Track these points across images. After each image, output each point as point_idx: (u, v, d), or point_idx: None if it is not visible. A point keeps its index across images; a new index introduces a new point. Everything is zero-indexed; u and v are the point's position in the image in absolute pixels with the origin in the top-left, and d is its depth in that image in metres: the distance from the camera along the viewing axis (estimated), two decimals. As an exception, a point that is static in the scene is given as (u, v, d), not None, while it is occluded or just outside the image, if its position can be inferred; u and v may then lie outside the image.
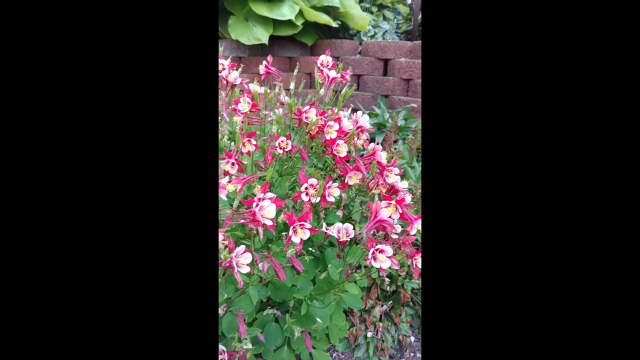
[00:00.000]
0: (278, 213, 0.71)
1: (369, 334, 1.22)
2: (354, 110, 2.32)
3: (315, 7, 2.60)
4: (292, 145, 0.85)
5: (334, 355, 1.22)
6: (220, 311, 0.88)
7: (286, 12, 2.42)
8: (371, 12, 3.26)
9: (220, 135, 1.00)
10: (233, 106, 0.98)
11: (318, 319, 0.93)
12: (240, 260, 0.63)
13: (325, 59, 1.06)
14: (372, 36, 2.97)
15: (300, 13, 2.47)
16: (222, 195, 0.68)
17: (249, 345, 0.70)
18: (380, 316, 1.25)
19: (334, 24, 2.63)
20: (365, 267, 1.14)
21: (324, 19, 2.52)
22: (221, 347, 0.78)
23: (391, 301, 1.28)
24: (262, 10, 2.38)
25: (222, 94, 1.11)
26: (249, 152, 0.88)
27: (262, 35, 2.44)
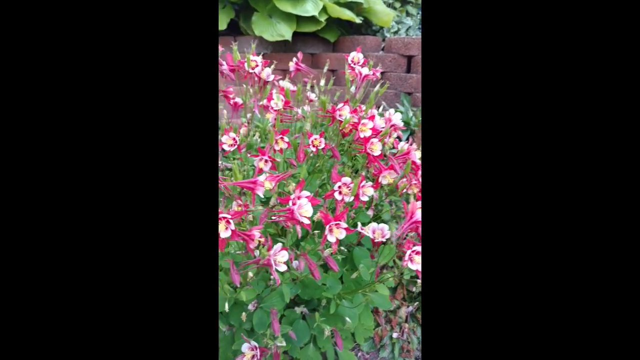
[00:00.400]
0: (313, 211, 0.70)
1: (395, 335, 1.20)
2: (378, 107, 2.29)
3: (338, 3, 2.58)
4: (325, 143, 0.84)
5: (359, 354, 1.21)
6: (251, 307, 0.89)
7: (310, 9, 2.40)
8: (394, 8, 3.20)
9: (251, 133, 1.00)
10: (264, 103, 0.98)
11: (347, 319, 0.92)
12: (277, 258, 0.63)
13: (356, 56, 1.05)
14: (396, 32, 2.93)
15: (324, 9, 2.45)
16: (260, 193, 0.68)
17: (284, 343, 0.70)
18: (406, 317, 1.24)
19: (358, 20, 2.60)
20: (397, 267, 1.13)
21: (347, 15, 2.50)
22: (253, 342, 0.79)
23: (417, 302, 1.26)
24: (286, 6, 2.37)
25: (250, 90, 1.11)
26: (281, 150, 0.88)
27: (285, 32, 2.44)
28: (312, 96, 1.15)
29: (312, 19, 2.45)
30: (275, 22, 2.47)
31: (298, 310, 0.98)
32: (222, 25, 2.39)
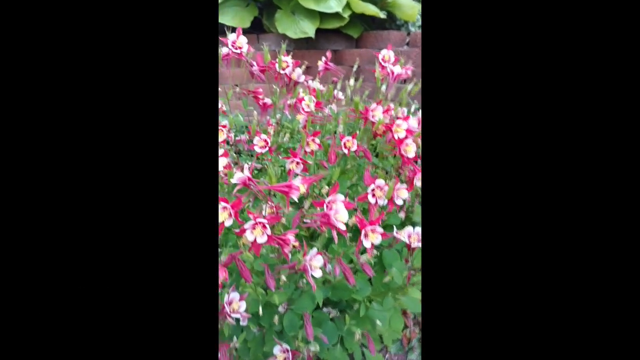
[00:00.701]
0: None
1: (424, 338, 1.18)
2: (408, 106, 2.24)
3: (362, -2, 2.53)
4: (357, 145, 0.83)
5: (387, 356, 1.20)
6: (282, 309, 0.89)
7: (333, 5, 2.37)
8: (419, 1, 3.13)
9: (281, 133, 0.99)
10: (292, 102, 0.97)
11: (378, 322, 0.91)
12: (313, 263, 0.62)
13: (387, 53, 1.02)
14: (421, 26, 2.86)
15: (347, 5, 2.42)
16: (294, 197, 0.67)
17: (317, 348, 0.70)
18: (435, 320, 1.21)
19: (382, 15, 2.55)
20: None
21: (372, 10, 2.46)
22: (285, 345, 0.79)
23: (447, 305, 1.24)
24: (309, 3, 2.35)
25: (277, 89, 1.11)
26: (312, 151, 0.87)
27: (308, 29, 2.42)
28: (340, 95, 1.13)
29: (336, 15, 2.42)
30: (299, 19, 2.45)
31: (328, 312, 0.97)
32: (246, 23, 2.39)
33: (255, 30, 2.57)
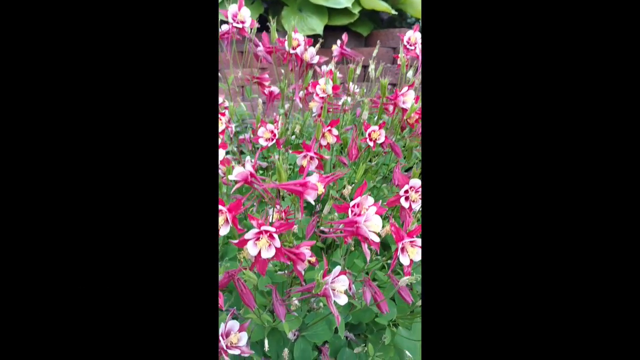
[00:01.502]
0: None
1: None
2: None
3: (372, -6, 2.42)
4: (385, 137, 0.68)
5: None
6: (291, 336, 0.74)
7: (342, 0, 2.26)
8: None
9: (290, 126, 0.85)
10: (302, 94, 0.83)
11: (407, 353, 0.75)
12: (336, 286, 0.47)
13: (412, 35, 0.89)
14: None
15: (357, 1, 2.30)
16: (310, 198, 0.52)
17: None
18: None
19: (393, 12, 2.43)
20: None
21: (382, 6, 2.34)
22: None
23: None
24: (317, -2, 2.23)
25: (282, 71, 0.96)
26: (328, 145, 0.72)
27: (316, 26, 2.30)
28: (354, 87, 0.99)
29: (345, 12, 2.30)
30: (306, 15, 2.33)
31: (345, 336, 0.82)
32: (251, 19, 2.27)
33: (261, 28, 2.46)
